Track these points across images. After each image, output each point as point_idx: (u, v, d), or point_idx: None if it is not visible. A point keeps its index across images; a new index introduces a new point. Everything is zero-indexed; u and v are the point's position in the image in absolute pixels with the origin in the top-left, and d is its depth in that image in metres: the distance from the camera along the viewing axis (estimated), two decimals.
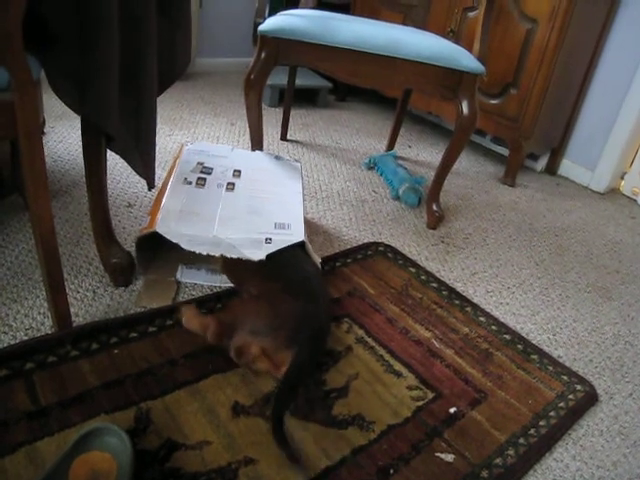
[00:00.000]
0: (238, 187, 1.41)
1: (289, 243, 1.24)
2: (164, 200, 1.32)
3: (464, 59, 1.65)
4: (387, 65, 1.65)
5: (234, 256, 1.19)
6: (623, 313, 1.61)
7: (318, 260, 1.34)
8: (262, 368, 1.08)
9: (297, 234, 1.28)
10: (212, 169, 1.46)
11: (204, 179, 1.41)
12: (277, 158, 1.62)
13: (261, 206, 1.36)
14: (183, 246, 1.19)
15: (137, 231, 1.51)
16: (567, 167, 2.73)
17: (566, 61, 2.32)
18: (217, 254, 1.19)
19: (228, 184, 1.41)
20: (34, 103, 0.88)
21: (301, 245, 1.28)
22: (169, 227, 1.23)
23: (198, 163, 1.47)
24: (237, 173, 1.46)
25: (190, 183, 1.39)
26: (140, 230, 1.34)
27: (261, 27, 1.62)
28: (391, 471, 0.95)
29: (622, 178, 2.65)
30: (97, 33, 0.95)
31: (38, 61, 0.97)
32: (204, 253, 1.19)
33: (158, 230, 1.21)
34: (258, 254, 1.19)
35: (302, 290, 1.16)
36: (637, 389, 1.30)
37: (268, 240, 1.24)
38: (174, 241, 1.20)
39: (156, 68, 1.17)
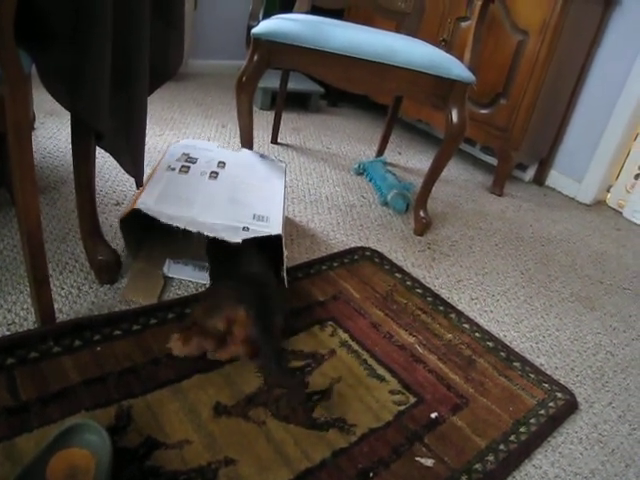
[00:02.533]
0: (221, 176, 1.42)
1: (266, 234, 1.23)
2: (146, 185, 1.33)
3: (455, 68, 1.67)
4: (379, 72, 1.66)
5: (211, 235, 1.20)
6: (605, 323, 1.62)
7: (285, 264, 1.32)
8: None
9: (275, 227, 1.27)
10: (197, 159, 1.47)
11: (188, 167, 1.43)
12: (262, 157, 1.63)
13: (242, 196, 1.36)
14: (162, 220, 1.20)
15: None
16: (555, 178, 2.75)
17: (556, 73, 2.34)
18: (194, 230, 1.20)
19: (212, 172, 1.43)
20: (24, 98, 0.88)
21: (278, 239, 1.27)
22: (148, 205, 1.24)
23: (183, 154, 1.49)
24: (222, 164, 1.48)
25: (173, 169, 1.41)
26: (122, 213, 1.34)
27: (254, 30, 1.62)
28: (371, 474, 0.96)
29: (608, 191, 2.68)
30: (91, 30, 0.95)
31: (30, 56, 0.97)
32: (181, 227, 1.20)
33: (138, 206, 1.22)
34: (234, 238, 1.19)
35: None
36: (617, 398, 1.31)
37: (245, 228, 1.23)
38: (152, 215, 1.21)
39: (148, 67, 1.17)
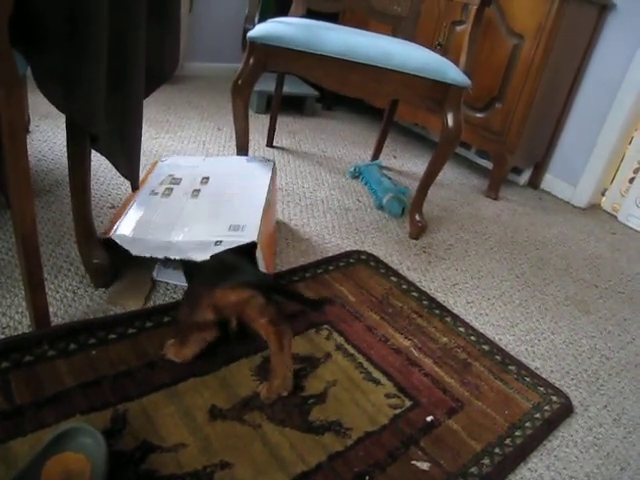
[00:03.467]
0: (203, 193, 1.42)
1: (239, 244, 1.21)
2: (126, 210, 1.34)
3: (451, 72, 1.67)
4: (375, 75, 1.66)
5: (178, 258, 1.19)
6: (600, 327, 1.63)
7: (261, 264, 1.28)
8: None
9: (250, 235, 1.24)
10: (181, 179, 1.48)
11: (171, 189, 1.43)
12: (249, 160, 1.63)
13: (220, 209, 1.35)
14: (133, 252, 1.20)
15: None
16: (550, 182, 2.76)
17: (551, 77, 2.35)
18: (161, 256, 1.20)
19: (194, 191, 1.42)
20: (19, 101, 0.88)
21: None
22: (123, 235, 1.25)
23: (169, 175, 1.49)
24: (205, 180, 1.47)
25: (156, 194, 1.40)
26: (103, 231, 1.35)
27: (250, 33, 1.62)
28: (367, 478, 0.96)
29: (603, 194, 2.69)
30: (87, 32, 0.95)
31: (25, 58, 0.96)
32: (147, 256, 1.20)
33: (112, 237, 1.24)
34: (202, 256, 1.18)
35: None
36: (612, 401, 1.32)
37: (218, 242, 1.21)
38: (125, 247, 1.22)
39: (144, 70, 1.17)
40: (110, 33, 1.02)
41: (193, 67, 3.30)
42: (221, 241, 1.21)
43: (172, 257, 1.18)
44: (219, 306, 1.07)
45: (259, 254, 1.22)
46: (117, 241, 1.22)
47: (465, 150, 2.96)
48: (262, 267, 1.25)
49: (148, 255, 1.18)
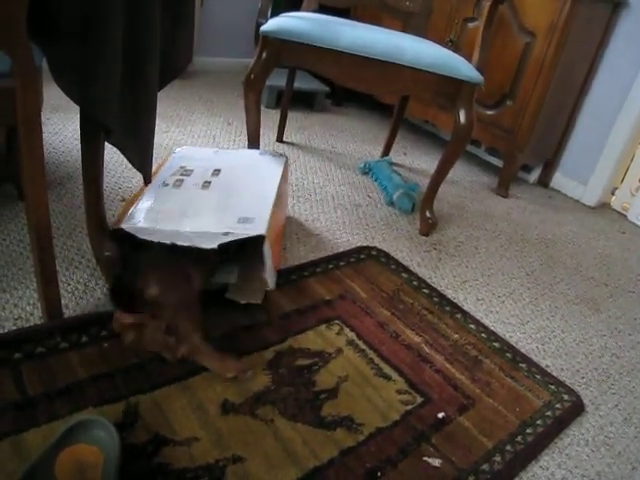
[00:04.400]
0: (214, 185, 1.41)
1: (247, 236, 1.20)
2: (137, 201, 1.33)
3: (464, 68, 1.66)
4: (387, 71, 1.66)
5: (185, 244, 1.16)
6: (611, 326, 1.62)
7: (269, 258, 1.26)
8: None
9: (259, 228, 1.23)
10: (192, 171, 1.47)
11: (182, 180, 1.42)
12: (261, 154, 1.62)
13: (231, 202, 1.34)
14: (139, 236, 1.17)
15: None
16: (559, 180, 2.75)
17: (563, 75, 2.34)
18: (169, 242, 1.16)
19: (204, 182, 1.41)
20: (35, 90, 0.87)
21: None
22: (134, 224, 1.23)
23: (180, 167, 1.48)
24: (216, 172, 1.46)
25: (167, 185, 1.40)
26: (112, 223, 1.33)
27: (263, 27, 1.62)
28: (378, 473, 0.95)
29: (613, 193, 2.67)
30: (102, 25, 0.94)
31: (41, 49, 0.96)
32: (155, 241, 1.16)
33: (122, 226, 1.21)
34: (209, 244, 1.15)
35: None
36: (623, 400, 1.31)
37: (226, 234, 1.20)
38: (133, 233, 1.18)
39: (158, 63, 1.16)
40: (125, 26, 1.01)
41: (203, 62, 3.30)
42: (229, 232, 1.21)
43: (179, 244, 1.16)
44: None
45: (267, 247, 1.22)
46: (126, 229, 1.20)
47: (475, 148, 2.95)
48: (270, 260, 1.25)
49: (155, 240, 1.16)
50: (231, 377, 1.08)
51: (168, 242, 1.16)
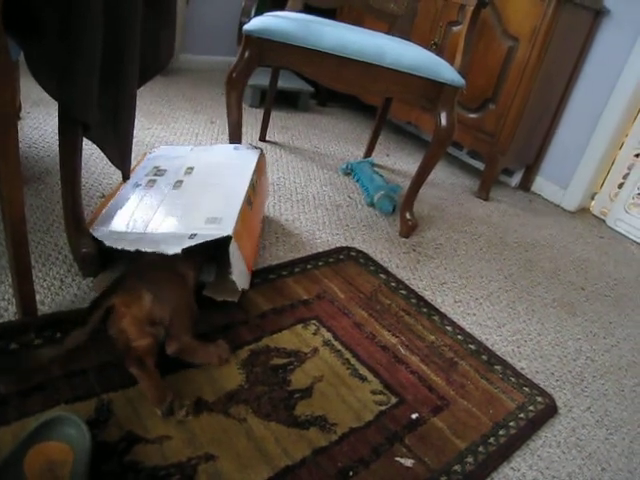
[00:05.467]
0: (185, 184, 1.40)
1: (214, 237, 1.18)
2: (108, 204, 1.33)
3: (445, 72, 1.67)
4: (370, 72, 1.66)
5: (149, 251, 1.14)
6: (586, 329, 1.64)
7: (238, 257, 1.24)
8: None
9: (226, 228, 1.21)
10: (166, 170, 1.46)
11: (155, 180, 1.41)
12: (236, 148, 1.61)
13: (200, 201, 1.34)
14: (107, 244, 1.17)
15: None
16: (540, 184, 2.78)
17: (545, 80, 2.36)
18: (132, 249, 1.15)
19: (176, 182, 1.41)
20: (11, 86, 0.87)
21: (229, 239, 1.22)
22: (101, 229, 1.24)
23: (154, 167, 1.48)
24: (189, 170, 1.46)
25: (139, 186, 1.39)
26: (89, 220, 1.31)
27: (246, 27, 1.62)
28: (350, 473, 0.96)
29: (592, 198, 2.70)
30: (82, 21, 0.94)
31: (17, 44, 0.95)
32: (119, 248, 1.15)
33: (91, 231, 1.22)
34: (174, 249, 1.14)
35: None
36: (595, 403, 1.33)
37: (192, 235, 1.19)
38: (99, 238, 1.19)
39: (138, 60, 1.16)
40: (105, 22, 1.01)
41: (188, 59, 3.28)
42: (196, 234, 1.20)
43: (143, 249, 1.15)
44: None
45: (233, 248, 1.20)
46: (94, 234, 1.20)
47: (457, 150, 2.97)
48: (240, 260, 1.24)
49: (120, 247, 1.15)
50: (220, 364, 1.11)
51: (132, 249, 1.15)
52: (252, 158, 1.54)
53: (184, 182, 1.40)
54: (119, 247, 1.15)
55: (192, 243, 1.16)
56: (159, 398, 0.98)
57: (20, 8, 0.90)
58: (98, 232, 1.22)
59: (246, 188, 1.39)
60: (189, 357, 1.09)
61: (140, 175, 1.44)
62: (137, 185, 1.39)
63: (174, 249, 1.14)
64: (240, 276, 1.24)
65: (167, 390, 1.00)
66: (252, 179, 1.44)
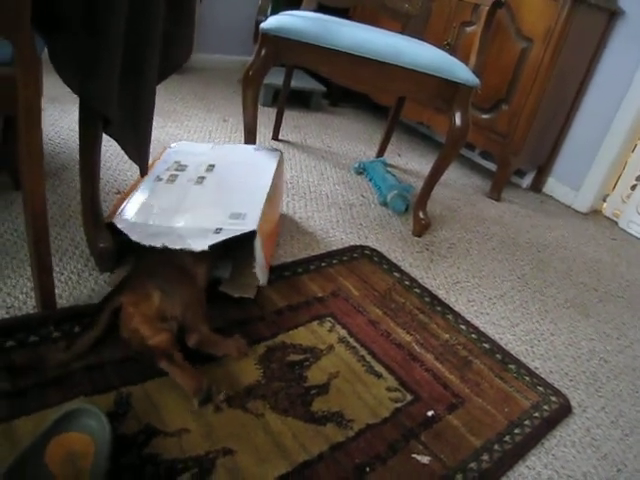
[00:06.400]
0: (207, 180, 1.42)
1: (239, 232, 1.20)
2: (130, 196, 1.33)
3: (461, 71, 1.68)
4: (385, 71, 1.67)
5: (177, 247, 1.16)
6: (599, 330, 1.64)
7: (260, 254, 1.26)
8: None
9: (250, 224, 1.23)
10: (187, 166, 1.47)
11: (176, 175, 1.42)
12: (257, 149, 1.63)
13: (223, 197, 1.35)
14: (132, 237, 1.17)
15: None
16: (552, 186, 2.77)
17: (558, 81, 2.36)
18: (160, 245, 1.16)
19: (198, 178, 1.42)
20: (37, 78, 0.88)
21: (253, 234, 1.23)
22: (126, 219, 1.24)
23: (175, 161, 1.49)
24: (210, 167, 1.47)
25: (161, 180, 1.40)
26: (106, 216, 1.32)
27: (263, 25, 1.63)
28: (367, 469, 0.96)
29: (604, 200, 2.70)
30: (105, 16, 0.95)
31: (42, 38, 0.96)
32: (147, 244, 1.16)
33: (114, 221, 1.22)
34: (201, 244, 1.16)
35: None
36: (609, 404, 1.33)
37: (218, 230, 1.21)
38: (125, 232, 1.19)
39: (158, 56, 1.17)
40: (127, 18, 1.02)
41: (201, 58, 3.30)
42: (221, 229, 1.21)
43: (170, 246, 1.16)
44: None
45: (258, 243, 1.22)
46: (118, 225, 1.21)
47: (469, 151, 2.97)
48: (260, 256, 1.25)
49: (147, 244, 1.16)
50: (240, 356, 1.12)
51: (159, 245, 1.16)
52: (273, 160, 1.56)
53: (206, 179, 1.41)
54: (146, 243, 1.16)
55: (219, 239, 1.17)
56: (195, 387, 1.00)
57: (46, 3, 0.91)
58: (121, 223, 1.22)
59: (268, 187, 1.41)
60: (209, 349, 1.10)
61: (161, 169, 1.45)
62: (159, 179, 1.40)
63: (201, 245, 1.15)
64: (261, 271, 1.26)
65: (202, 378, 1.02)
66: (273, 179, 1.46)
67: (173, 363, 1.01)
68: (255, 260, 1.22)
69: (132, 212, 1.27)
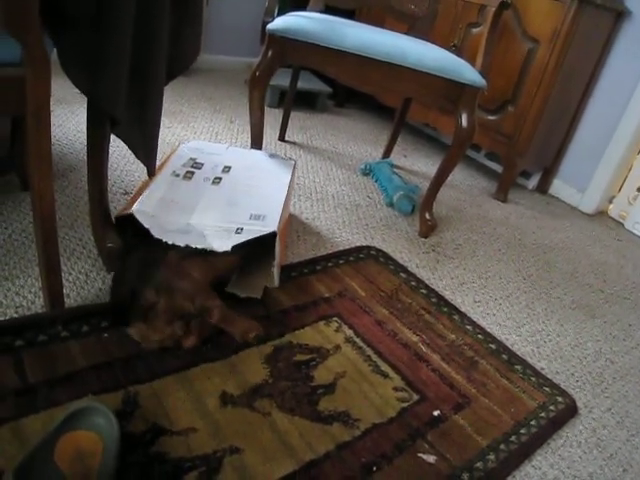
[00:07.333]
0: (224, 181, 1.43)
1: (260, 234, 1.22)
2: (148, 188, 1.33)
3: (467, 72, 1.68)
4: (391, 72, 1.67)
5: (199, 247, 1.17)
6: (605, 331, 1.64)
7: (277, 255, 1.28)
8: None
9: (270, 225, 1.25)
10: (203, 164, 1.48)
11: (192, 172, 1.43)
12: (272, 156, 1.64)
13: (242, 198, 1.36)
14: (153, 233, 1.17)
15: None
16: (558, 187, 2.77)
17: (564, 82, 2.36)
18: (182, 244, 1.16)
19: (215, 178, 1.43)
20: (46, 79, 0.88)
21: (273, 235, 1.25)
22: (145, 211, 1.23)
23: (190, 158, 1.50)
24: (227, 169, 1.48)
25: (178, 176, 1.41)
26: (119, 211, 1.32)
27: (270, 26, 1.63)
28: (374, 468, 0.97)
29: (610, 202, 2.69)
30: (113, 15, 0.95)
31: (50, 38, 0.97)
32: (170, 242, 1.16)
33: (133, 212, 1.21)
34: (224, 245, 1.17)
35: None
36: (616, 404, 1.32)
37: (239, 230, 1.22)
38: (146, 226, 1.18)
39: (165, 57, 1.17)
40: (135, 19, 1.02)
41: (208, 59, 3.31)
42: (242, 228, 1.23)
43: (193, 245, 1.17)
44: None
45: (277, 245, 1.24)
46: (137, 217, 1.20)
47: (474, 152, 2.97)
48: (278, 258, 1.27)
49: (170, 241, 1.16)
50: (253, 337, 1.18)
51: (182, 244, 1.17)
52: (288, 167, 1.60)
53: (223, 180, 1.43)
54: (168, 240, 1.17)
55: (241, 239, 1.19)
56: (250, 328, 1.17)
57: (54, 3, 0.91)
58: (140, 215, 1.21)
59: (285, 192, 1.44)
60: (229, 326, 1.15)
61: (177, 164, 1.46)
62: (176, 174, 1.41)
63: (223, 245, 1.17)
64: (276, 273, 1.29)
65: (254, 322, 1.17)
66: (289, 186, 1.49)
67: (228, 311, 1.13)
68: (275, 260, 1.25)
69: (150, 204, 1.26)
